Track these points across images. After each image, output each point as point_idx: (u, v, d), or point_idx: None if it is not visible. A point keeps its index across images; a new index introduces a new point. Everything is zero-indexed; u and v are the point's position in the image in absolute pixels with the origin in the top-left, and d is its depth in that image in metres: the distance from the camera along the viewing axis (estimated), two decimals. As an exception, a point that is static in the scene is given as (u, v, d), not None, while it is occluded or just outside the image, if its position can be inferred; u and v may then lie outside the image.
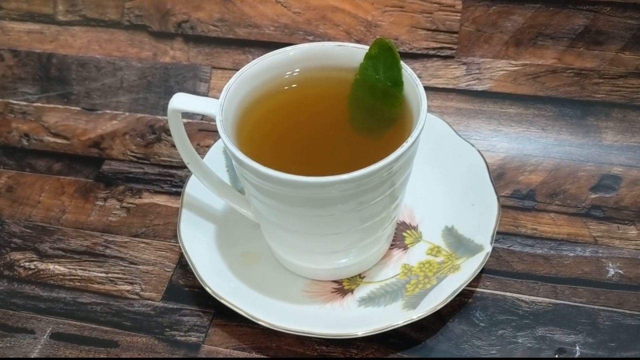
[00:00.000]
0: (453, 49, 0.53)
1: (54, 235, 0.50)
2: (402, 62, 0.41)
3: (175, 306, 0.45)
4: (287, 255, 0.44)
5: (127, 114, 0.57)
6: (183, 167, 0.53)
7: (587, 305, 0.43)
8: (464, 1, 0.52)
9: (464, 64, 0.53)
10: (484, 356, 0.41)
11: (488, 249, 0.42)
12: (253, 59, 0.56)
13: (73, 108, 0.58)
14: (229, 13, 0.56)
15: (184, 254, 0.44)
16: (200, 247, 0.45)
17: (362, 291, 0.43)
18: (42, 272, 0.47)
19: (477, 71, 0.53)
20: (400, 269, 0.44)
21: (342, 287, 0.44)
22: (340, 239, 0.41)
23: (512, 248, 0.46)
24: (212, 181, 0.45)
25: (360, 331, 0.40)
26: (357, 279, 0.44)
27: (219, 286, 0.42)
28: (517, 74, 0.52)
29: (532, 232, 0.47)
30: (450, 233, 0.45)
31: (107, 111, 0.58)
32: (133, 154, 0.55)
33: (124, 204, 0.51)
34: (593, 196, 0.48)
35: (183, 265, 0.47)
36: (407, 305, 0.41)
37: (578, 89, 0.51)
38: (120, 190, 0.52)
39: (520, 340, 0.41)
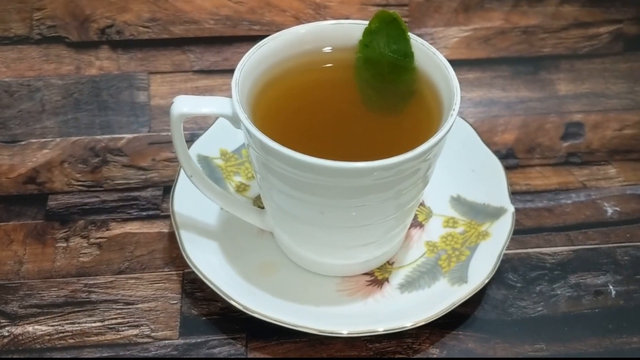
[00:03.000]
0: (405, 22, 0.52)
1: (18, 292, 0.42)
2: (410, 33, 0.39)
3: (198, 340, 0.40)
4: (314, 255, 0.41)
5: (58, 139, 0.50)
6: (145, 187, 0.47)
7: (602, 246, 0.44)
8: (413, -28, 0.51)
9: (418, 35, 0.52)
10: (530, 315, 0.41)
11: (512, 208, 0.43)
12: (195, 58, 0.52)
13: (-12, 143, 0.49)
14: (161, 11, 0.51)
15: (203, 278, 0.39)
16: (215, 267, 0.40)
17: (398, 277, 0.42)
18: (20, 338, 0.40)
19: (431, 41, 0.52)
20: (424, 247, 0.43)
21: (376, 278, 0.42)
22: (374, 229, 0.39)
23: (515, 206, 0.46)
24: (216, 193, 0.41)
25: (421, 317, 0.38)
26: (387, 266, 0.42)
27: (254, 303, 0.38)
28: (469, 39, 0.53)
29: (527, 187, 0.48)
30: (458, 202, 0.45)
31: (33, 140, 0.49)
32: (80, 183, 0.48)
33: (92, 240, 0.44)
34: (565, 144, 0.50)
35: (189, 294, 0.42)
36: (454, 280, 0.40)
37: (527, 46, 0.53)
38: (80, 225, 0.45)
39: (558, 292, 0.42)
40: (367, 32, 0.39)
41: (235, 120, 0.36)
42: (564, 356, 0.39)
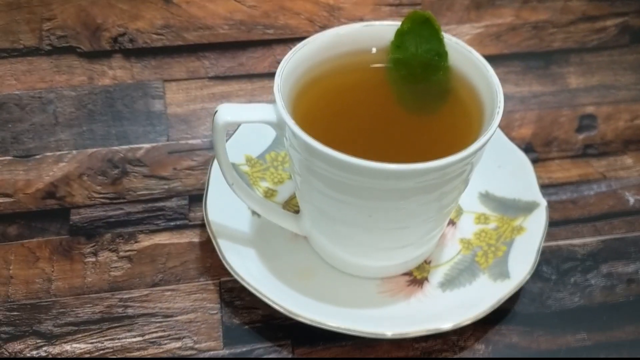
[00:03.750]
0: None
1: (51, 311, 0.41)
2: (443, 33, 0.39)
3: (244, 349, 0.39)
4: (354, 257, 0.41)
5: (74, 152, 0.48)
6: (169, 197, 0.47)
7: (628, 235, 0.45)
8: (425, -29, 0.52)
9: (431, 34, 0.53)
10: (568, 306, 0.42)
11: (544, 202, 0.43)
12: (210, 64, 0.51)
13: (1, 158, 0.48)
14: (174, 18, 0.50)
15: (248, 286, 0.39)
16: (255, 274, 0.40)
17: (437, 276, 0.42)
18: (59, 357, 0.39)
19: (444, 39, 0.53)
20: (459, 244, 0.43)
21: (415, 278, 0.42)
22: (416, 231, 0.39)
23: (541, 200, 0.47)
24: (255, 200, 0.40)
25: (470, 315, 0.38)
26: (425, 265, 0.42)
27: (299, 307, 0.38)
28: (481, 36, 0.53)
29: (549, 181, 0.48)
30: (487, 198, 0.45)
31: (48, 154, 0.48)
32: (102, 196, 0.47)
33: (122, 254, 0.43)
34: (581, 137, 0.51)
35: (228, 303, 0.41)
36: (495, 276, 0.40)
37: (537, 41, 0.54)
38: (107, 239, 0.44)
39: (592, 282, 0.43)
40: (399, 33, 0.39)
41: (278, 125, 0.36)
42: (606, 345, 0.40)
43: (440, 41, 0.39)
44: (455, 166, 0.34)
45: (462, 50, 0.39)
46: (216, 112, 0.35)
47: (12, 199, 0.46)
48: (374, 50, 0.40)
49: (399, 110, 0.39)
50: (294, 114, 0.37)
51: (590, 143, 0.51)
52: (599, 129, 0.52)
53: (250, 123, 0.36)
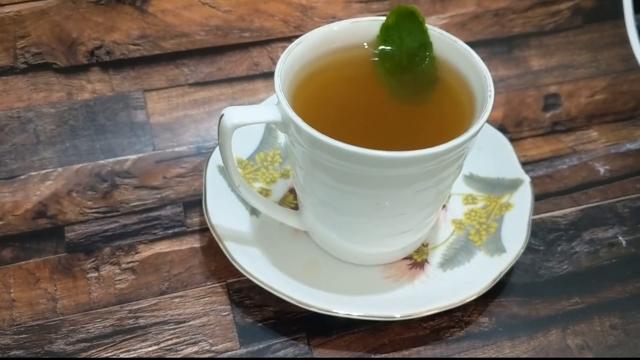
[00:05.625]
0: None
1: (61, 330, 0.40)
2: (427, 25, 0.41)
3: (260, 346, 0.40)
4: (358, 246, 0.42)
5: (59, 169, 0.48)
6: (162, 206, 0.47)
7: (603, 202, 0.48)
8: (391, -33, 0.53)
9: (399, 27, 0.55)
10: (559, 273, 0.44)
11: (527, 178, 0.46)
12: (189, 71, 0.52)
13: (-16, 182, 0.47)
14: (150, 27, 0.50)
15: (261, 284, 0.40)
16: (265, 272, 0.41)
17: (436, 257, 0.44)
18: (77, 374, 0.39)
19: (412, 31, 0.55)
20: (452, 225, 0.45)
21: (415, 261, 0.43)
22: (415, 216, 0.41)
23: (519, 177, 0.50)
24: (260, 199, 0.41)
25: (475, 290, 0.40)
26: (422, 248, 0.44)
27: (312, 299, 0.39)
28: (447, 26, 0.55)
29: (524, 159, 0.51)
30: (472, 179, 0.47)
31: (33, 173, 0.48)
32: (94, 210, 0.46)
33: (124, 266, 0.43)
34: (548, 115, 0.54)
35: (238, 303, 0.42)
36: (492, 252, 0.43)
37: (499, 28, 0.56)
38: (107, 253, 0.44)
39: (577, 249, 0.46)
40: (384, 27, 0.41)
41: (283, 124, 0.37)
42: (598, 306, 0.43)
43: (424, 32, 0.41)
44: (454, 151, 0.36)
45: (447, 40, 0.41)
46: (222, 115, 0.36)
47: (1, 222, 0.45)
48: (365, 45, 0.41)
49: (393, 101, 0.41)
50: (294, 111, 0.38)
51: (557, 120, 0.54)
52: (563, 106, 0.55)
53: (257, 124, 0.37)
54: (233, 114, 0.36)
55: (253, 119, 0.37)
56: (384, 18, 0.41)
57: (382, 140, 0.39)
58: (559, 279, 0.44)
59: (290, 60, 0.38)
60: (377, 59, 0.41)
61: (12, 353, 0.39)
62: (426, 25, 0.41)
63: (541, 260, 0.45)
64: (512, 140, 0.52)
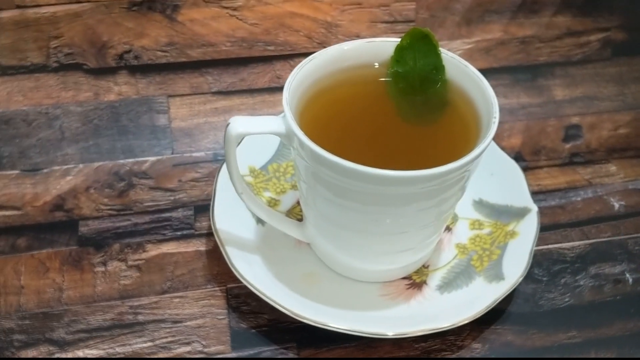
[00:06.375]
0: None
1: (63, 319, 0.42)
2: (441, 48, 0.41)
3: (251, 352, 0.41)
4: (357, 262, 0.42)
5: (80, 166, 0.50)
6: (175, 208, 0.48)
7: (614, 238, 0.48)
8: (418, -11, 0.54)
9: (423, 49, 0.55)
10: (559, 305, 0.44)
11: (535, 208, 0.45)
12: (212, 80, 0.53)
13: (9, 173, 0.49)
14: (178, 35, 0.52)
15: (256, 291, 0.40)
16: (263, 280, 0.41)
17: (435, 279, 0.44)
18: (73, 363, 0.40)
19: (435, 54, 0.55)
20: (455, 249, 0.45)
21: (414, 281, 0.44)
22: (416, 236, 0.41)
23: (530, 206, 0.49)
24: (263, 208, 0.42)
25: (467, 315, 0.40)
26: (423, 269, 0.44)
27: (305, 311, 0.40)
28: (471, 50, 0.56)
29: (538, 188, 0.51)
30: (481, 205, 0.47)
31: (55, 168, 0.50)
32: (109, 207, 0.48)
33: (130, 263, 0.45)
34: (567, 146, 0.54)
35: (235, 308, 0.43)
36: (491, 278, 0.42)
37: (525, 55, 0.56)
38: (116, 249, 0.46)
39: (581, 283, 0.45)
40: (399, 48, 0.42)
41: (287, 136, 0.38)
42: (595, 341, 0.42)
43: (438, 56, 0.41)
44: (455, 173, 0.36)
45: (459, 65, 0.41)
46: (229, 124, 0.37)
47: (20, 212, 0.47)
48: (376, 64, 0.42)
49: (400, 121, 0.41)
50: (301, 125, 0.39)
51: (576, 152, 0.53)
52: (584, 138, 0.54)
53: (261, 134, 0.38)
54: (239, 124, 0.37)
55: (258, 129, 0.38)
56: (397, 39, 0.41)
57: (385, 158, 0.39)
58: (559, 311, 0.43)
59: (301, 75, 0.39)
60: (389, 79, 0.42)
61: (14, 337, 0.41)
62: (440, 48, 0.41)
63: (543, 291, 0.44)
64: (528, 168, 0.52)
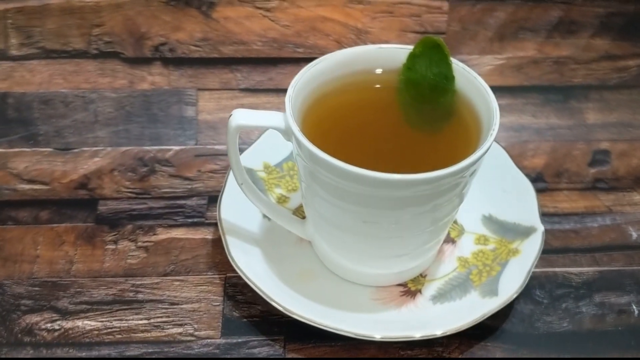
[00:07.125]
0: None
1: (69, 289, 0.44)
2: (452, 58, 0.41)
3: (239, 340, 0.42)
4: (351, 263, 0.43)
5: (109, 149, 0.52)
6: (190, 196, 0.50)
7: (626, 268, 0.46)
8: (450, 2, 0.54)
9: (453, 62, 0.55)
10: (556, 330, 0.43)
11: (541, 228, 0.44)
12: (241, 77, 0.55)
13: (43, 150, 0.52)
14: (212, 32, 0.54)
15: (248, 281, 0.41)
16: (258, 272, 0.42)
17: (430, 289, 0.43)
18: (71, 332, 0.42)
19: (465, 68, 0.55)
20: (456, 262, 0.45)
21: (409, 289, 0.44)
22: (410, 241, 0.41)
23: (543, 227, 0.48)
24: (263, 201, 0.43)
25: (453, 326, 0.40)
26: (420, 278, 0.44)
27: (294, 306, 0.40)
28: (502, 67, 0.55)
29: (554, 210, 0.50)
30: (490, 220, 0.47)
31: (85, 148, 0.52)
32: (129, 190, 0.50)
33: (140, 244, 0.47)
34: (592, 171, 0.52)
35: (231, 297, 0.44)
36: (485, 293, 0.42)
37: (558, 76, 0.56)
38: (128, 230, 0.48)
39: (584, 310, 0.44)
40: (411, 56, 0.42)
41: (286, 133, 0.39)
42: (589, 370, 0.41)
43: (449, 65, 0.41)
44: (445, 180, 0.36)
45: (468, 76, 0.41)
46: (231, 115, 0.39)
47: (47, 187, 0.50)
48: (383, 71, 0.42)
49: (404, 128, 0.42)
50: (304, 124, 0.40)
51: (601, 177, 0.52)
52: (611, 164, 0.53)
53: (260, 128, 0.39)
54: (240, 116, 0.39)
55: (257, 123, 0.39)
56: (407, 47, 0.42)
57: (384, 163, 0.39)
58: (555, 335, 0.42)
59: (308, 76, 0.40)
60: (400, 85, 0.42)
61: (22, 301, 0.43)
62: (451, 58, 0.41)
63: (541, 313, 0.43)
64: (547, 190, 0.51)
